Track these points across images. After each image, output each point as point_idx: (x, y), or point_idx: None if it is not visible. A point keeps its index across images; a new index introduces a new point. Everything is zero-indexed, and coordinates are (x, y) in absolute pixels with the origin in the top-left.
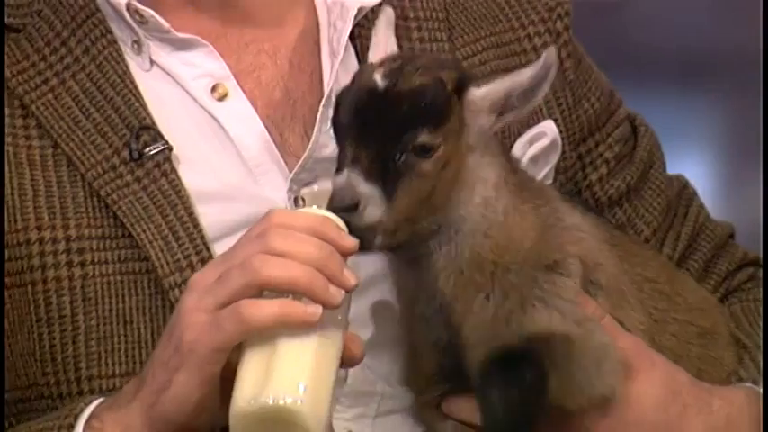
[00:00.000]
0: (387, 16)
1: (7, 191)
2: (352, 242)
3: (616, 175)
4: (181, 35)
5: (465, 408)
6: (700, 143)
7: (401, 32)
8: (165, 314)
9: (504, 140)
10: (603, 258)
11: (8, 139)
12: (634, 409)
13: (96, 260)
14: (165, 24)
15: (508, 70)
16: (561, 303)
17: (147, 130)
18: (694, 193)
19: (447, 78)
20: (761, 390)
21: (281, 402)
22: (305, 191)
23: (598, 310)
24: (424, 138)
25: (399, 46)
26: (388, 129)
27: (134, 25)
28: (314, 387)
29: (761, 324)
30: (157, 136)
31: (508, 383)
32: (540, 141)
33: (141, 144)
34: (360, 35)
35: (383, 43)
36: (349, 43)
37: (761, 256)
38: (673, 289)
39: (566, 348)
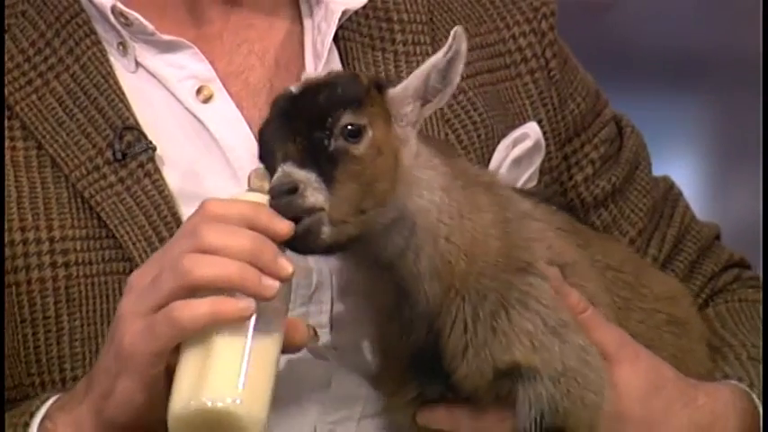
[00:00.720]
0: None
1: None
2: (286, 225)
3: (602, 175)
4: (165, 37)
5: (441, 417)
6: (687, 144)
7: (384, 35)
8: None
9: (489, 142)
10: (561, 246)
11: None
12: (618, 402)
13: (80, 261)
14: (150, 27)
15: (493, 71)
16: (540, 308)
17: (130, 130)
18: (680, 194)
19: (362, 76)
20: (758, 391)
21: (219, 405)
22: (251, 170)
23: (581, 303)
24: (348, 118)
25: (382, 48)
26: (310, 119)
27: (119, 27)
28: (251, 384)
29: (746, 324)
30: (141, 136)
31: None
32: (523, 143)
33: (125, 144)
34: (344, 37)
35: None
36: (333, 45)
37: (761, 255)
38: (637, 280)
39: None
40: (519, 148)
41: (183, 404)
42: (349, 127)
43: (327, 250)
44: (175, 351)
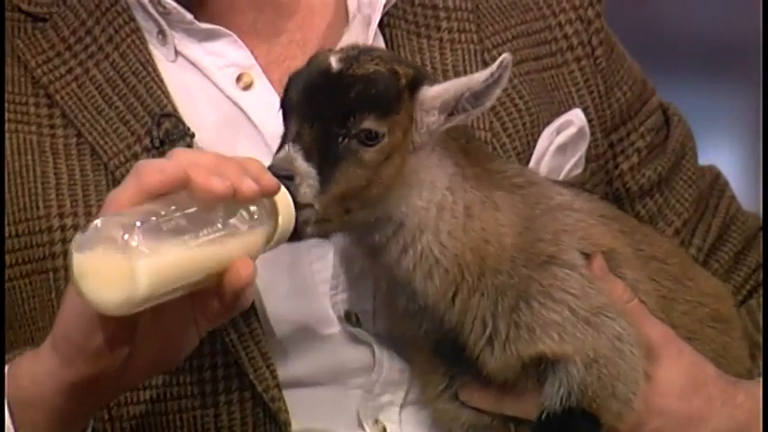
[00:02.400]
0: (363, 16)
1: (30, 178)
2: (273, 181)
3: (648, 164)
4: (204, 26)
5: (483, 396)
6: (732, 132)
7: (429, 22)
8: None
9: (533, 129)
10: (600, 234)
11: (32, 128)
12: (659, 397)
13: None
14: (188, 16)
15: (538, 58)
16: (568, 298)
17: (168, 117)
18: (726, 184)
19: (402, 72)
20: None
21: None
22: None
23: (626, 293)
24: (369, 123)
25: (427, 36)
26: (334, 109)
27: (157, 16)
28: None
29: None
30: (179, 123)
31: None
32: (567, 130)
33: (163, 131)
34: (389, 24)
35: (353, 39)
36: (378, 32)
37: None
38: (682, 273)
39: (597, 377)
40: (563, 135)
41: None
42: (367, 131)
43: (311, 238)
44: None
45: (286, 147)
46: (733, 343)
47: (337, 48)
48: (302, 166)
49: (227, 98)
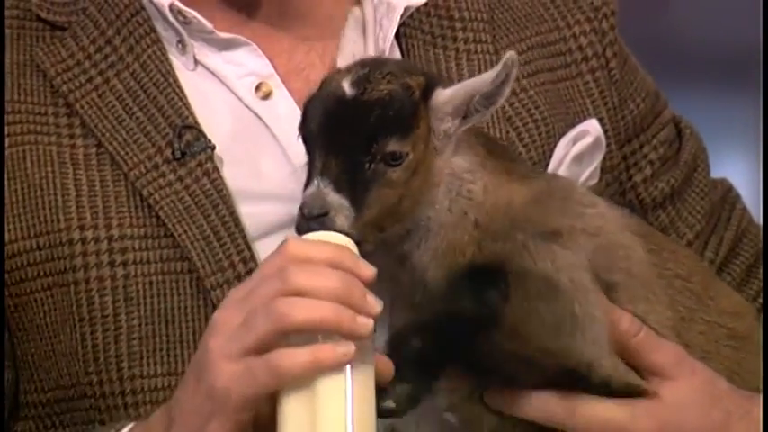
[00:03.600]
0: (354, 17)
1: (50, 190)
2: (370, 271)
3: (660, 176)
4: (224, 35)
5: (508, 400)
6: (745, 143)
7: (445, 32)
8: (207, 314)
9: (549, 140)
10: (628, 245)
11: (52, 138)
12: (678, 414)
13: (138, 260)
14: (209, 25)
15: (553, 69)
16: (551, 267)
17: (189, 129)
18: (738, 197)
19: (414, 84)
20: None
21: None
22: None
23: (633, 325)
24: (393, 146)
25: (443, 46)
26: (357, 138)
27: (177, 26)
28: (359, 424)
29: None
30: (200, 135)
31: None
32: (583, 140)
33: (184, 143)
34: (405, 34)
35: (349, 46)
36: (394, 42)
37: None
38: (704, 290)
39: (542, 286)
40: (579, 146)
41: None
42: (392, 153)
43: None
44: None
45: (315, 182)
46: (748, 358)
47: (339, 58)
48: (335, 199)
49: (245, 107)
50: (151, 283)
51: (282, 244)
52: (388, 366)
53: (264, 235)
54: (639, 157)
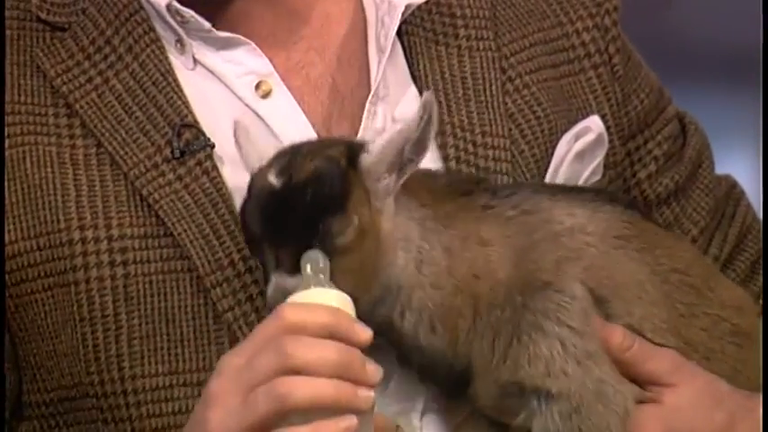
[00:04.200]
0: (241, 128)
1: (50, 190)
2: (366, 334)
3: (665, 172)
4: (222, 34)
5: None
6: (748, 141)
7: (447, 30)
8: (207, 312)
9: (552, 137)
10: (610, 260)
11: (52, 139)
12: (681, 419)
13: (138, 259)
14: (206, 24)
15: (556, 66)
16: (561, 331)
17: (188, 127)
18: (742, 194)
19: (336, 154)
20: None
21: None
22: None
23: (626, 339)
24: (336, 223)
25: (445, 44)
26: (298, 226)
27: (175, 25)
28: None
29: None
30: (199, 133)
31: None
32: (585, 136)
33: (183, 142)
34: (407, 31)
35: (252, 152)
36: (396, 39)
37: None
38: (704, 283)
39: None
40: (581, 142)
41: None
42: (337, 229)
43: None
44: None
45: (272, 279)
46: (752, 356)
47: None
48: (293, 282)
49: (245, 106)
50: (151, 282)
51: (277, 310)
52: (389, 427)
53: None
54: (644, 153)
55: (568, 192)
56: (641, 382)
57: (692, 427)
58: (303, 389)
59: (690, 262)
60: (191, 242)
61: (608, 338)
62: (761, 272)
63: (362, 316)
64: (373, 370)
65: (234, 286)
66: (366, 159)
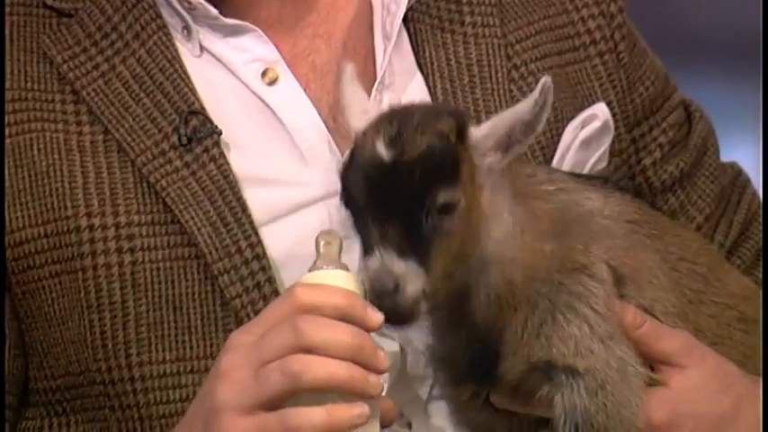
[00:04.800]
0: (348, 73)
1: (57, 177)
2: (378, 319)
3: (670, 160)
4: (229, 21)
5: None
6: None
7: (453, 16)
8: (214, 299)
9: (558, 125)
10: (628, 242)
11: (59, 126)
12: (688, 402)
13: (146, 246)
14: (213, 11)
15: (562, 53)
16: (590, 313)
17: (195, 114)
18: (748, 181)
19: (447, 129)
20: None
21: None
22: (319, 234)
23: (638, 318)
24: (444, 197)
25: (451, 30)
26: (407, 200)
27: (182, 12)
28: None
29: None
30: (206, 120)
31: None
32: (591, 124)
33: (190, 129)
34: (413, 18)
35: (356, 102)
36: (402, 26)
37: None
38: (711, 272)
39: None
40: (587, 130)
41: None
42: (445, 205)
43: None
44: None
45: (377, 253)
46: (759, 342)
47: (350, 117)
48: (401, 267)
49: (252, 93)
50: (158, 269)
51: (290, 290)
52: (392, 410)
53: (271, 220)
54: (649, 140)
55: (577, 177)
56: (652, 361)
57: (697, 409)
58: (318, 368)
59: (697, 251)
60: (198, 229)
61: (621, 315)
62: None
63: (436, 291)
64: (383, 356)
65: (241, 273)
66: (475, 134)
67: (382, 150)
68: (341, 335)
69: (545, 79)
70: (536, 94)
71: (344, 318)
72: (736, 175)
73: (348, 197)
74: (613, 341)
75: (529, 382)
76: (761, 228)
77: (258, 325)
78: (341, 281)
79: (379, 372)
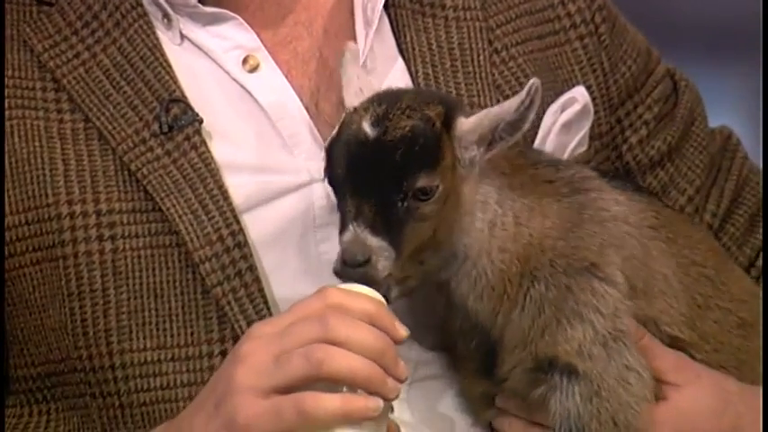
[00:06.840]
0: (351, 52)
1: (38, 165)
2: (404, 332)
3: (657, 135)
4: (208, 9)
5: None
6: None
7: (434, 1)
8: (196, 287)
9: (538, 108)
10: (646, 252)
11: (39, 113)
12: (688, 423)
13: (126, 234)
14: (192, 0)
15: (542, 37)
16: (596, 318)
17: (176, 102)
18: (738, 145)
19: (434, 115)
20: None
21: None
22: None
23: (639, 331)
24: (422, 181)
25: (432, 15)
26: (386, 178)
27: (161, 1)
28: None
29: None
30: (187, 108)
31: None
32: (571, 107)
33: (171, 117)
34: (394, 4)
35: (354, 80)
36: (383, 12)
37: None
38: (718, 275)
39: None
40: (567, 113)
41: None
42: (422, 189)
43: (397, 300)
44: None
45: (351, 227)
46: (756, 345)
47: (345, 95)
48: (374, 242)
49: (233, 81)
50: (139, 257)
51: (322, 290)
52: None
53: (253, 207)
54: (634, 119)
55: (603, 175)
56: None
57: (696, 428)
58: (341, 359)
59: (706, 254)
60: (179, 217)
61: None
62: (760, 224)
63: (405, 275)
64: (403, 365)
65: (222, 261)
66: (460, 126)
67: (367, 128)
68: (367, 335)
69: (533, 81)
70: (523, 94)
71: (372, 324)
72: (726, 141)
73: (330, 171)
74: (618, 344)
75: (528, 379)
76: (754, 192)
77: (285, 318)
78: (371, 293)
79: (399, 380)
